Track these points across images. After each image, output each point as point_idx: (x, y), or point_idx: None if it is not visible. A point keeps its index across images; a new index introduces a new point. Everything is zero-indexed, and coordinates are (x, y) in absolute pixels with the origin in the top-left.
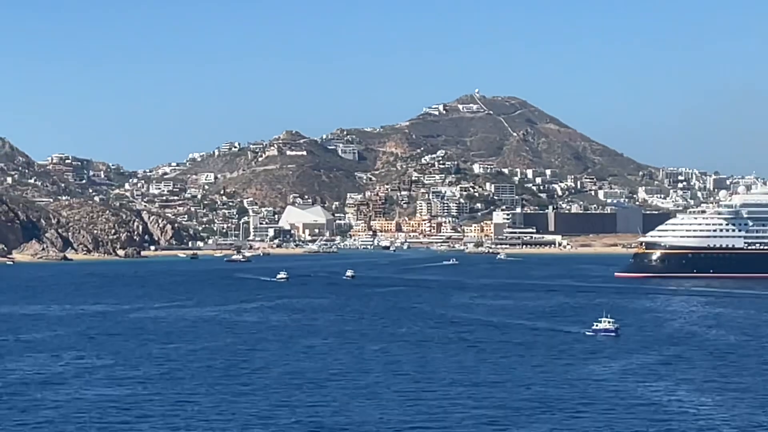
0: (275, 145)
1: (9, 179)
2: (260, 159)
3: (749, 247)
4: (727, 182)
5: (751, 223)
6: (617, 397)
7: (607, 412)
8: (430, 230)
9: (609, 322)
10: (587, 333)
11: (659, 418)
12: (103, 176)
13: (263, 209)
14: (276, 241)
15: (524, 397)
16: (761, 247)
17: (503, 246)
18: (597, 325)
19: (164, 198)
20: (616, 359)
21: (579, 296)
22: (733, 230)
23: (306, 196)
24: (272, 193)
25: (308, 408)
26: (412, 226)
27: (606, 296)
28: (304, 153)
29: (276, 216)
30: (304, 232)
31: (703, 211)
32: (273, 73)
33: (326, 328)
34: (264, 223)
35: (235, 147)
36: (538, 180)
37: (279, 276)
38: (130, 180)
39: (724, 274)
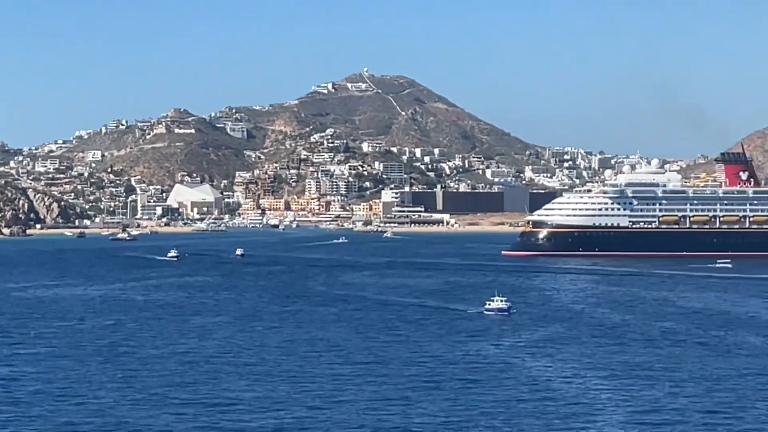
0: (163, 123)
1: None
2: (148, 137)
3: (634, 226)
4: (612, 162)
5: (635, 203)
6: (507, 374)
7: (496, 388)
8: (319, 209)
9: (501, 300)
10: (480, 312)
11: (548, 395)
12: None
13: (151, 187)
14: (164, 219)
15: (415, 375)
16: (645, 226)
17: (392, 225)
18: (489, 304)
19: (50, 176)
20: (508, 337)
21: (468, 275)
22: (618, 209)
23: (194, 175)
24: (160, 171)
25: (198, 386)
26: (301, 205)
27: (494, 275)
28: (193, 131)
29: (164, 194)
30: (192, 211)
31: (589, 191)
32: (161, 50)
33: (217, 307)
34: (152, 201)
35: (123, 125)
36: (427, 159)
37: (169, 254)
38: (16, 158)
39: (609, 252)
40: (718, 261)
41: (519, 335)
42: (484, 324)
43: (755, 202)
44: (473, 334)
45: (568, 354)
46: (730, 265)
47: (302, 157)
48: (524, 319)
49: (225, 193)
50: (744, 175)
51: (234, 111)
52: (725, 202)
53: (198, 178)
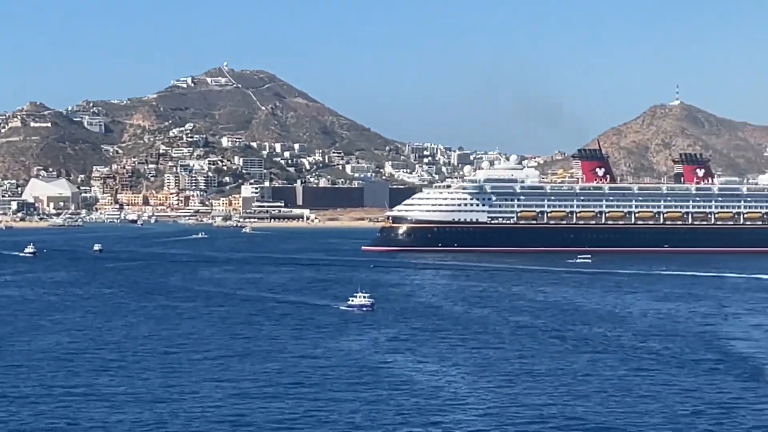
0: (18, 117)
1: None
2: (3, 131)
3: (493, 222)
4: (471, 158)
5: (494, 198)
6: (369, 370)
7: (357, 384)
8: (178, 204)
9: (364, 296)
10: (343, 307)
11: (408, 390)
12: None
13: (5, 182)
14: (19, 214)
15: (276, 370)
16: (504, 222)
17: (252, 220)
18: (352, 300)
19: None
20: (371, 333)
21: (328, 270)
22: (477, 205)
23: (51, 169)
24: (15, 165)
25: (56, 380)
26: (160, 200)
27: (355, 270)
28: (49, 125)
29: (19, 189)
30: (48, 206)
31: (449, 186)
32: (16, 43)
33: (75, 303)
34: (6, 196)
35: None
36: (287, 154)
37: (26, 250)
38: None
39: (469, 247)
40: (579, 256)
41: (381, 331)
42: (346, 320)
43: (611, 198)
44: (336, 329)
45: (429, 349)
46: (590, 260)
47: (161, 151)
48: (386, 315)
49: (82, 188)
50: (600, 172)
51: (91, 105)
52: (582, 198)
53: (54, 173)
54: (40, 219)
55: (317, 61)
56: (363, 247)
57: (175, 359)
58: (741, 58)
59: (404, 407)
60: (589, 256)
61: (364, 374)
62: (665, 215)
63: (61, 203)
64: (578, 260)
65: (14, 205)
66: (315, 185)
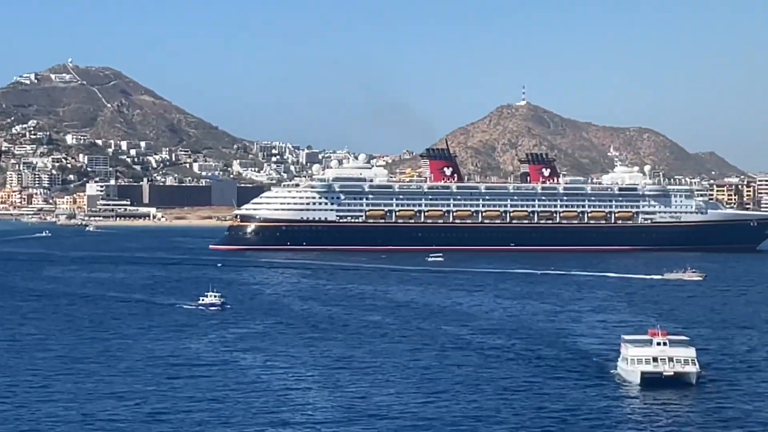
0: None
1: None
2: None
3: (341, 220)
4: (320, 157)
5: (342, 197)
6: (219, 368)
7: (207, 382)
8: (20, 202)
9: (215, 296)
10: (193, 306)
11: (259, 387)
12: None
13: None
14: None
15: (124, 370)
16: (353, 221)
17: (97, 218)
18: (203, 299)
19: None
20: (222, 331)
21: (176, 269)
22: (326, 203)
23: None
24: None
25: None
26: (2, 198)
27: (204, 269)
28: None
29: None
30: None
31: (297, 185)
32: None
33: None
34: None
35: None
36: (133, 152)
37: None
38: None
39: (317, 246)
40: (431, 255)
41: (232, 330)
42: (197, 319)
43: (458, 197)
44: (185, 328)
45: (279, 347)
46: (441, 259)
47: (3, 149)
48: (237, 314)
49: None
50: (448, 171)
51: None
52: (430, 197)
53: None
54: None
55: (164, 59)
56: (211, 246)
57: (16, 358)
58: (586, 59)
59: (253, 406)
60: (441, 254)
61: (214, 373)
62: (512, 214)
63: None
64: (430, 259)
65: None
66: (162, 184)
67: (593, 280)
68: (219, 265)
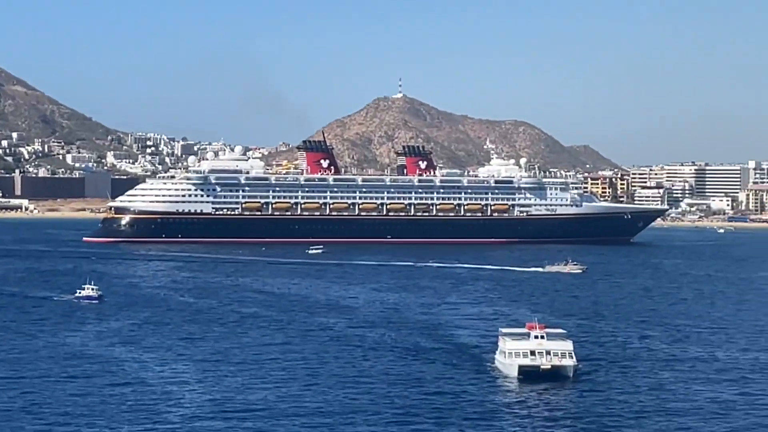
0: None
1: None
2: None
3: (217, 213)
4: (196, 149)
5: (219, 189)
6: (95, 362)
7: (82, 376)
8: None
9: (92, 288)
10: (69, 299)
11: (135, 381)
12: None
13: None
14: None
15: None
16: (229, 213)
17: None
18: (80, 292)
19: None
20: (98, 325)
21: (50, 261)
22: (202, 196)
23: None
24: None
25: None
26: None
27: (78, 261)
28: None
29: None
30: None
31: (173, 177)
32: None
33: None
34: None
35: None
36: (4, 143)
37: None
38: None
39: (193, 239)
40: (311, 247)
41: (109, 323)
42: (73, 312)
43: (335, 189)
44: (61, 321)
45: (157, 340)
46: (321, 252)
47: None
48: (115, 307)
49: None
50: (325, 163)
51: None
52: (307, 189)
53: None
54: None
55: (36, 49)
56: (85, 238)
57: None
58: (462, 52)
59: (128, 399)
60: (322, 247)
61: (90, 366)
62: (388, 207)
63: None
64: (311, 251)
65: None
66: (34, 175)
67: (471, 272)
68: (93, 258)
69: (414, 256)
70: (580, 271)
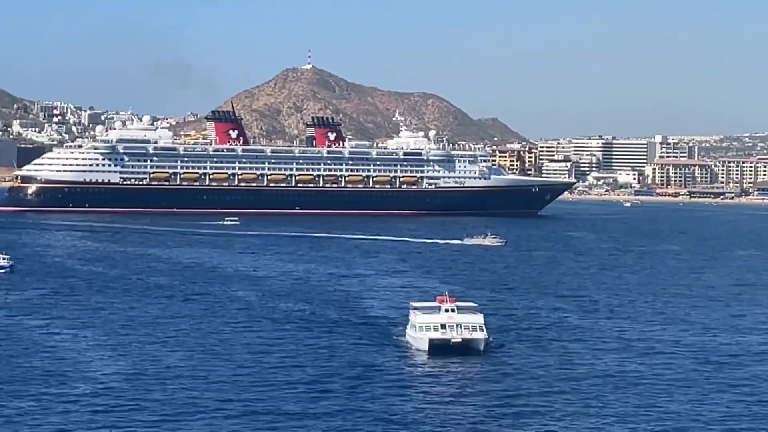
0: None
1: None
2: None
3: (125, 182)
4: (103, 118)
5: (126, 159)
6: (4, 334)
7: None
8: None
9: (3, 257)
10: None
11: (46, 353)
12: None
13: None
14: None
15: None
16: (137, 183)
17: None
18: None
19: None
20: (11, 295)
21: None
22: (110, 165)
23: None
24: None
25: None
26: None
27: None
28: None
29: None
30: None
31: (80, 146)
32: None
33: None
34: None
35: None
36: None
37: None
38: None
39: (101, 208)
40: (227, 218)
41: (21, 293)
42: None
43: (244, 160)
44: None
45: (67, 310)
46: (238, 222)
47: None
48: (25, 276)
49: None
50: (234, 134)
51: None
52: (215, 159)
53: None
54: None
55: None
56: None
57: None
58: (370, 24)
59: (35, 368)
60: (237, 218)
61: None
62: (297, 178)
63: None
64: (226, 222)
65: None
66: None
67: (381, 244)
68: None
69: (322, 228)
70: (500, 244)
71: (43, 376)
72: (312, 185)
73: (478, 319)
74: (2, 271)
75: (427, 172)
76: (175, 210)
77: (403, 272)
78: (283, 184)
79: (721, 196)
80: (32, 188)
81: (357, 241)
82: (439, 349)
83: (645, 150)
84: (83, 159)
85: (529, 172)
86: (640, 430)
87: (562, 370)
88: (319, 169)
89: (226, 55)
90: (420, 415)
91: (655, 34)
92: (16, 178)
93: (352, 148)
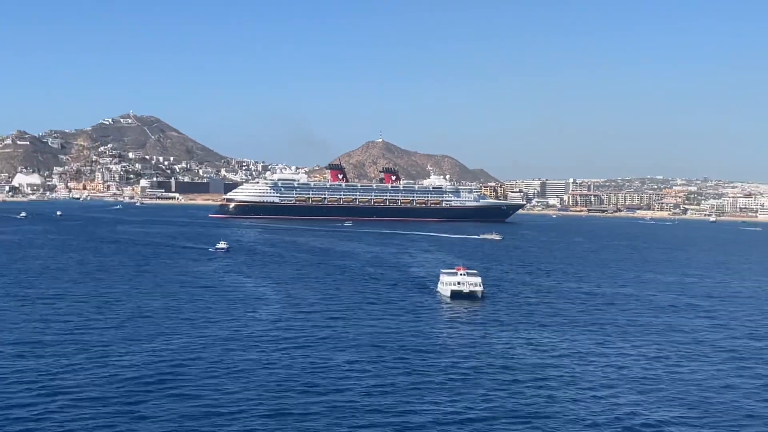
0: (9, 138)
1: None
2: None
3: (282, 202)
4: (269, 166)
5: (283, 189)
6: (228, 285)
7: (214, 289)
8: (103, 189)
9: (224, 243)
10: (211, 249)
11: (242, 289)
12: None
13: (2, 174)
14: (10, 193)
15: (165, 280)
16: (287, 202)
17: (146, 199)
18: (218, 245)
19: None
20: (229, 262)
21: (192, 227)
22: (273, 193)
23: (29, 168)
24: (8, 166)
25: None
26: (93, 187)
27: (207, 228)
28: (28, 143)
29: (10, 179)
30: (27, 189)
31: (257, 182)
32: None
33: (48, 242)
34: (2, 183)
35: None
36: (166, 162)
37: (20, 215)
38: None
39: (270, 216)
40: (345, 222)
41: (235, 260)
42: (215, 256)
43: (346, 191)
44: (210, 260)
45: (254, 270)
46: (351, 225)
47: (93, 159)
48: (234, 253)
49: (47, 179)
50: (340, 176)
51: (53, 132)
52: (331, 190)
53: (31, 170)
54: (23, 197)
55: (183, 105)
56: (209, 215)
57: (98, 280)
58: (413, 111)
59: (239, 298)
60: (350, 222)
61: (223, 286)
62: (374, 200)
63: (35, 188)
64: (346, 225)
65: (7, 188)
66: (182, 180)
67: (420, 237)
68: (215, 225)
69: (389, 228)
70: (499, 238)
71: (241, 300)
72: (382, 205)
73: (478, 280)
74: (224, 251)
75: (446, 197)
76: (307, 218)
77: (434, 252)
78: (367, 204)
79: (605, 212)
80: (232, 205)
81: (407, 235)
82: (456, 295)
83: (564, 186)
84: (259, 189)
85: (500, 198)
86: (571, 315)
87: (531, 306)
88: (386, 196)
89: (336, 130)
90: (446, 328)
91: (566, 112)
92: (224, 199)
93: (404, 185)
